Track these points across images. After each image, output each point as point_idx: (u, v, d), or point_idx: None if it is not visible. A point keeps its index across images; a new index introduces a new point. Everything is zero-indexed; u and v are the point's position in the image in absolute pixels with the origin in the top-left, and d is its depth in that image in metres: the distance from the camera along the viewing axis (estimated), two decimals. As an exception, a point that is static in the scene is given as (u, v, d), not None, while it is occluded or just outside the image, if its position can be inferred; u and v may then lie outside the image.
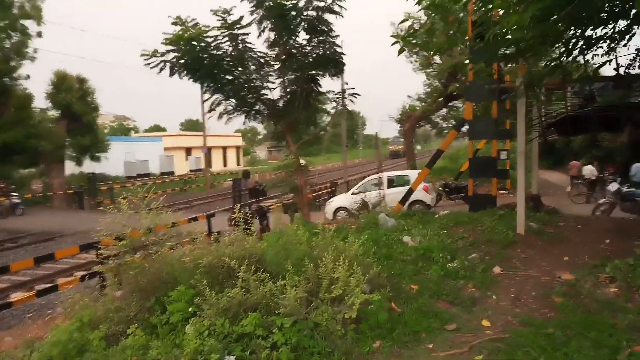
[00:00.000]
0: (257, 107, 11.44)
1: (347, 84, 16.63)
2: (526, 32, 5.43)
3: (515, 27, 5.43)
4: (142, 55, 10.60)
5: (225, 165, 52.97)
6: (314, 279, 4.65)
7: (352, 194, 18.24)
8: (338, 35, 11.25)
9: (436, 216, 11.40)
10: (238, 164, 56.86)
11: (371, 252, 6.24)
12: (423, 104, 30.73)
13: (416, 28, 27.91)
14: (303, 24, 10.49)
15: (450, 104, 30.44)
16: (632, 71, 7.27)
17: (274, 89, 11.38)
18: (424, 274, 6.16)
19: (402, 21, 26.25)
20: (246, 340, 4.07)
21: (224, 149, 53.94)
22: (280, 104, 11.45)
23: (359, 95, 11.69)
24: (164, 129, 66.44)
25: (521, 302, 5.18)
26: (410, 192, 14.34)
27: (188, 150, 48.10)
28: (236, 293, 4.29)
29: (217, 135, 49.65)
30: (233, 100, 11.45)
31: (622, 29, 6.44)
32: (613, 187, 13.58)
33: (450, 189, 20.96)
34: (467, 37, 13.59)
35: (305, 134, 13.12)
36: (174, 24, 10.61)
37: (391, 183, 17.97)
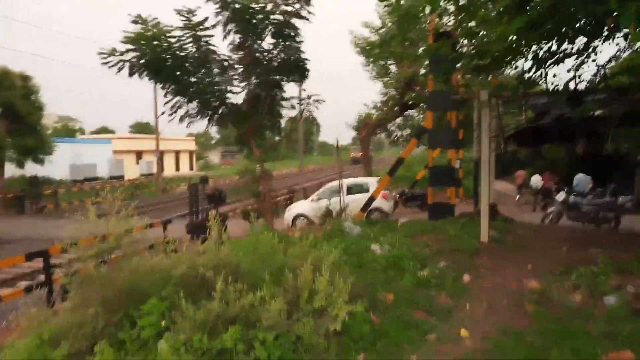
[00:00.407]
0: (220, 111, 11.16)
1: (304, 90, 16.60)
2: (507, 44, 5.56)
3: (497, 38, 5.54)
4: (100, 53, 10.14)
5: (177, 169, 51.61)
6: (293, 289, 4.52)
7: (312, 200, 18.17)
8: (302, 41, 11.22)
9: (399, 224, 11.52)
10: (191, 169, 55.54)
11: (342, 260, 6.18)
12: (379, 112, 31.17)
13: (373, 39, 28.48)
14: (270, 27, 10.36)
15: (405, 112, 31.12)
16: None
17: (239, 93, 11.17)
18: (397, 283, 6.16)
19: (379, 29, 26.84)
20: (226, 356, 3.88)
21: (177, 153, 52.59)
22: (244, 108, 11.24)
23: (323, 101, 11.68)
24: (112, 131, 63.91)
25: (495, 310, 5.27)
26: (371, 199, 14.45)
27: (139, 154, 46.45)
28: (214, 305, 4.09)
29: (169, 139, 48.36)
30: (195, 103, 11.14)
31: (581, 46, 6.76)
32: (560, 196, 14.26)
33: (407, 197, 21.32)
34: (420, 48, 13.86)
35: (266, 139, 12.94)
36: (134, 22, 10.22)
37: (350, 190, 18.00)
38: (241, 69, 11.27)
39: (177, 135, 55.79)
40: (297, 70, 11.58)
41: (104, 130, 66.29)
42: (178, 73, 10.44)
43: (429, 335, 4.53)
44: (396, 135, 33.14)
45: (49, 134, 30.67)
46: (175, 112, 11.10)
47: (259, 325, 4.13)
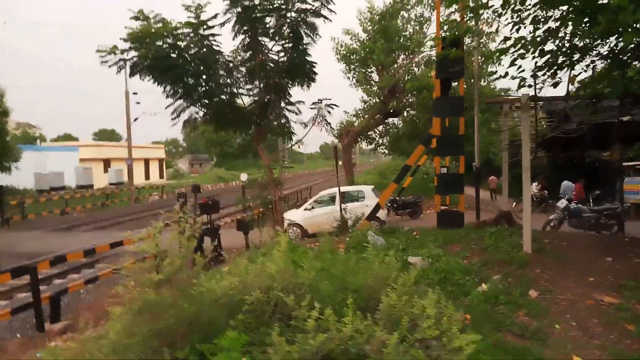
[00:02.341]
0: (228, 116, 10.40)
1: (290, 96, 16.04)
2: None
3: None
4: (99, 51, 9.27)
5: (147, 178, 49.72)
6: (387, 315, 3.93)
7: (305, 209, 17.56)
8: (314, 43, 10.65)
9: (414, 233, 11.06)
10: (161, 177, 53.71)
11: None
12: (360, 119, 30.89)
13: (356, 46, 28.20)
14: (284, 27, 9.74)
15: (386, 120, 30.99)
16: None
17: (249, 95, 10.47)
18: (461, 300, 5.64)
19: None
20: (337, 399, 3.24)
21: (146, 161, 50.71)
22: (253, 112, 10.55)
23: (336, 106, 11.12)
24: (75, 139, 61.19)
25: (591, 331, 4.82)
26: (377, 207, 13.99)
27: (106, 162, 44.47)
28: (318, 338, 3.43)
29: (139, 147, 46.56)
30: (200, 107, 10.37)
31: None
32: (562, 203, 14.24)
33: (398, 205, 21.08)
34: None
35: (271, 145, 12.21)
36: (135, 19, 9.42)
37: (343, 198, 17.47)
38: (247, 72, 10.57)
39: (145, 143, 53.97)
40: (305, 74, 10.97)
41: (67, 137, 63.40)
42: (183, 74, 9.66)
43: (545, 364, 4.02)
44: (377, 143, 32.87)
45: (16, 140, 28.83)
46: (178, 116, 10.29)
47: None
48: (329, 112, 11.01)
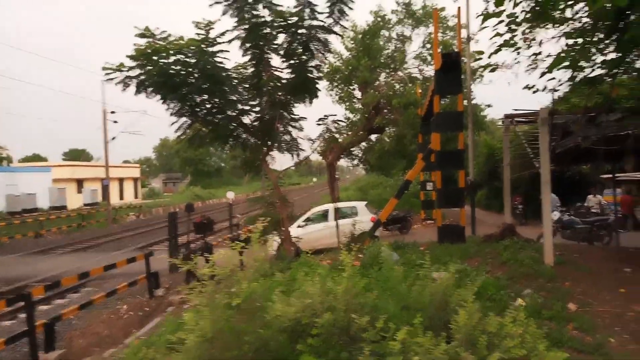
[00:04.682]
0: (236, 134, 10.19)
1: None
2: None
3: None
4: (105, 69, 9.00)
5: (121, 198, 48.39)
6: (464, 335, 3.81)
7: (298, 226, 17.32)
8: (320, 59, 10.64)
9: (421, 248, 11.02)
10: (136, 197, 52.39)
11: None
12: (344, 136, 30.95)
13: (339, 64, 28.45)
14: (295, 44, 9.66)
15: (370, 136, 31.15)
16: None
17: (254, 112, 10.30)
18: (503, 316, 5.55)
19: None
20: None
21: (121, 180, 49.42)
22: (262, 129, 10.38)
23: (342, 121, 11.07)
24: (44, 159, 59.25)
25: (649, 344, 4.81)
26: (378, 224, 13.92)
27: (80, 183, 43.13)
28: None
29: (114, 166, 45.37)
30: (206, 124, 10.16)
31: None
32: (555, 215, 14.45)
33: (388, 220, 20.98)
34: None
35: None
36: (142, 36, 9.20)
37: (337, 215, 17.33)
38: (253, 88, 10.43)
39: (119, 163, 52.72)
40: (308, 90, 10.90)
41: (35, 158, 61.31)
42: (192, 91, 9.45)
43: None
44: (360, 159, 32.97)
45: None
46: (183, 133, 10.04)
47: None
48: (336, 127, 10.95)
